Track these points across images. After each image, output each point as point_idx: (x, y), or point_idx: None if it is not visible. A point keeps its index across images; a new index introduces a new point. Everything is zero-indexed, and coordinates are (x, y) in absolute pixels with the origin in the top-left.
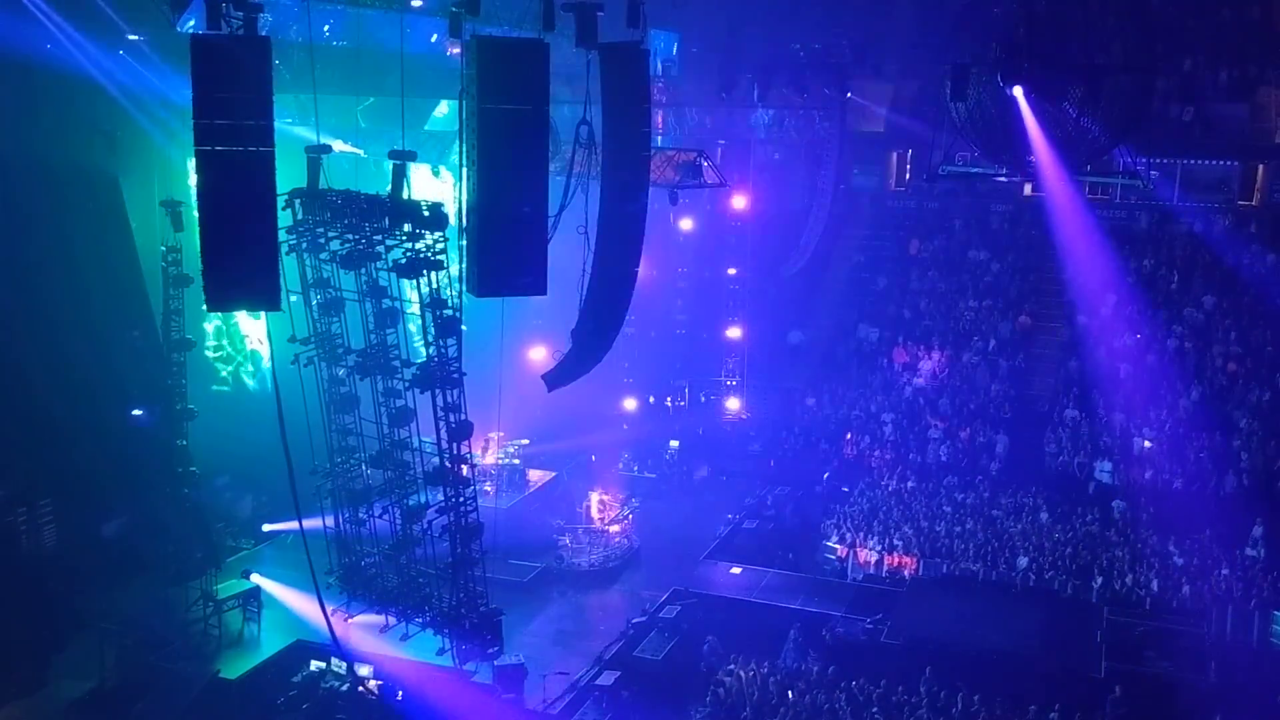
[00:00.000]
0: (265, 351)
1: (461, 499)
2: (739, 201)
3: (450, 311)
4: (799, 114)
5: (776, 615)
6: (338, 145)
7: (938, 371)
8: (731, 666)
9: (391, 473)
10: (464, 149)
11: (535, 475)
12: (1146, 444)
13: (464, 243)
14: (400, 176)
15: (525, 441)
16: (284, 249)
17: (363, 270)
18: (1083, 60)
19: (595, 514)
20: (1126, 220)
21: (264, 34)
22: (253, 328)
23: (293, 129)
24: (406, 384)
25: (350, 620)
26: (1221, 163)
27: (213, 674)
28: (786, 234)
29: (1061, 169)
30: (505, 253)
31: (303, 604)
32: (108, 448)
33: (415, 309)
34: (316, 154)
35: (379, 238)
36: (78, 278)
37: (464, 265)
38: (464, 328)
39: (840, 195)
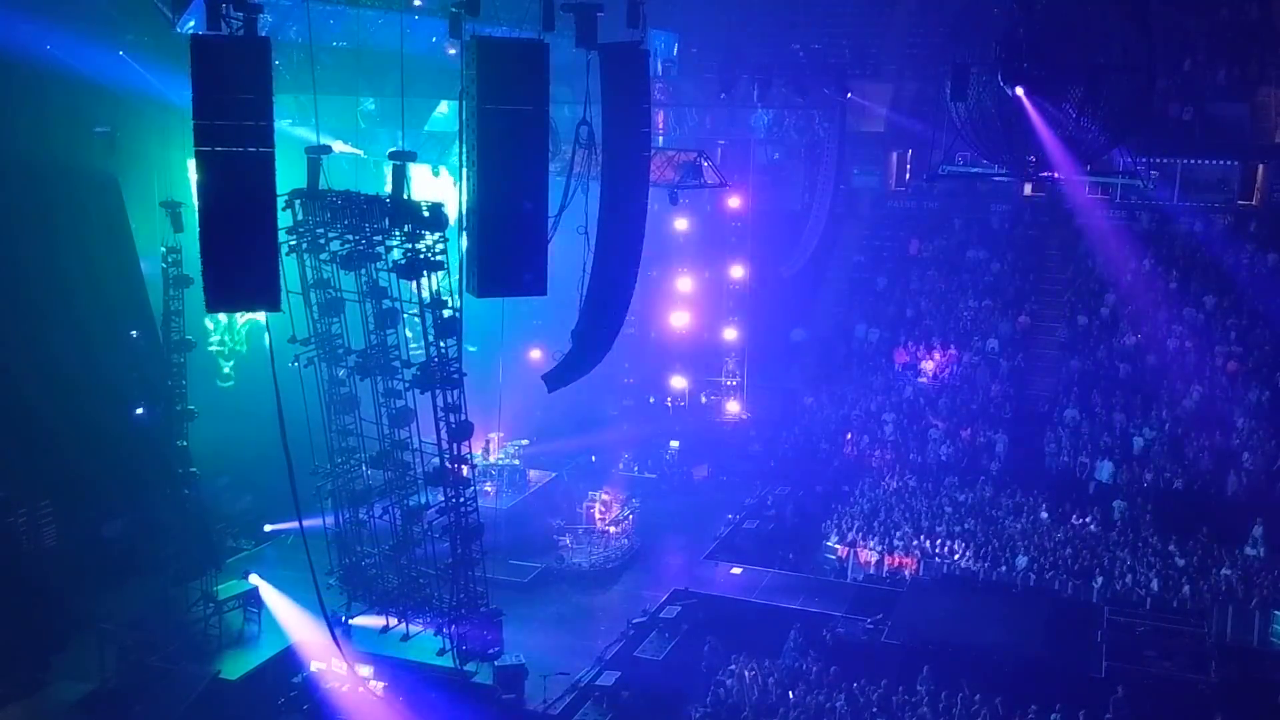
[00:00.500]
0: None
1: (462, 499)
2: (738, 201)
3: (450, 312)
4: (799, 114)
5: (777, 615)
6: (338, 146)
7: (938, 371)
8: (732, 667)
9: (392, 473)
10: (464, 149)
11: (535, 475)
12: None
13: (465, 243)
14: (400, 177)
15: (525, 442)
16: (284, 250)
17: (363, 271)
18: (1083, 60)
19: (596, 514)
20: (1127, 220)
21: (264, 34)
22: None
23: (293, 129)
24: (406, 384)
25: (350, 621)
26: (1221, 162)
27: (213, 674)
28: (786, 234)
29: (1074, 166)
30: (505, 253)
31: (298, 615)
32: (108, 448)
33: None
34: (316, 154)
35: (379, 238)
36: (77, 278)
37: (464, 265)
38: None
39: (840, 195)
